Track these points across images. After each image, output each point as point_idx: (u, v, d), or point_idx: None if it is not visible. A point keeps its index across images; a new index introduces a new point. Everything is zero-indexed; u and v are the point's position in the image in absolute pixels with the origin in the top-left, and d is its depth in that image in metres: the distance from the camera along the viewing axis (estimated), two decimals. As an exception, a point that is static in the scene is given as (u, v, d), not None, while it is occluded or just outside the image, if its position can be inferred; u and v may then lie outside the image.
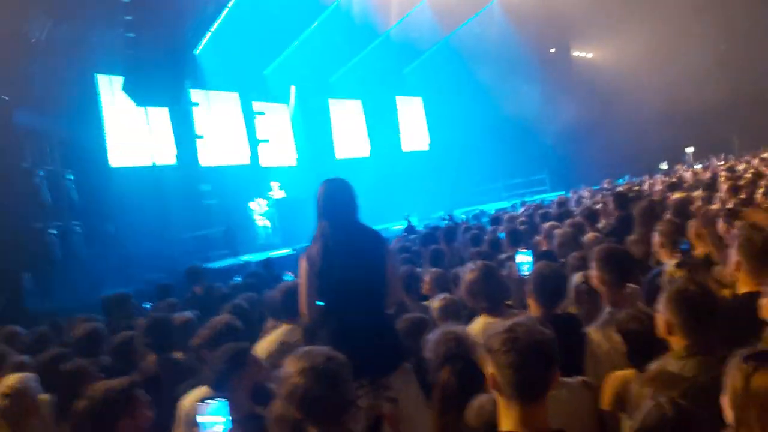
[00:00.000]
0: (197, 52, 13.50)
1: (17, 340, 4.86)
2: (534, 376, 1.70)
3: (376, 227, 3.37)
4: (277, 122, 17.06)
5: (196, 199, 13.32)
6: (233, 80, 14.83)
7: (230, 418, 2.16)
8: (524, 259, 3.66)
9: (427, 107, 22.00)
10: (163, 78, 11.37)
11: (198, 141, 14.07)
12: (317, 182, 3.24)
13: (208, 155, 14.33)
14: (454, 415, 2.14)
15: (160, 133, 13.13)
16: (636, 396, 2.09)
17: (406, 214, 11.02)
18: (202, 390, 2.89)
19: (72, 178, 9.74)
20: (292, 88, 17.47)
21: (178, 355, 3.83)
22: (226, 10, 13.21)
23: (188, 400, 2.92)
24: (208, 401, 2.17)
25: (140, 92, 11.29)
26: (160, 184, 12.39)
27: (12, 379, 2.88)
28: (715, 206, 5.74)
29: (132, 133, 12.54)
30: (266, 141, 16.41)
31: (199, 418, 2.16)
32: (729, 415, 1.64)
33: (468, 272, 3.37)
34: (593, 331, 2.90)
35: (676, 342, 2.17)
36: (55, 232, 9.35)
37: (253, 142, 16.01)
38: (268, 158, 16.27)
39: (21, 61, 9.66)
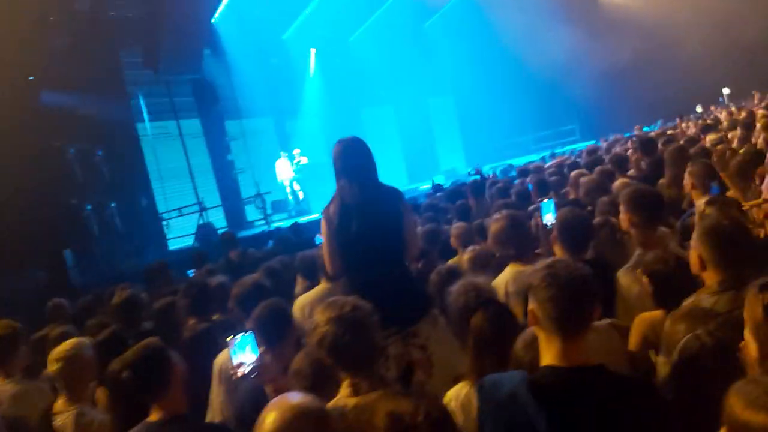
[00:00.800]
0: (214, 19, 13.42)
1: (63, 311, 5.07)
2: (573, 309, 1.72)
3: (404, 188, 3.37)
4: (299, 88, 16.98)
5: (226, 170, 13.47)
6: (252, 46, 14.72)
7: (257, 350, 2.25)
8: (547, 207, 3.63)
9: (451, 62, 21.58)
10: (183, 47, 11.38)
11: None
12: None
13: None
14: (489, 359, 2.17)
15: (183, 104, 13.23)
16: (669, 333, 2.08)
17: (474, 167, 10.59)
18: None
19: (101, 153, 9.90)
20: (312, 51, 17.30)
21: (215, 316, 3.96)
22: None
23: (221, 356, 3.02)
24: (238, 335, 2.26)
25: (161, 63, 11.33)
26: (187, 153, 12.55)
27: (66, 345, 3.00)
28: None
29: (157, 108, 12.67)
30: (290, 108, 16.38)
31: (234, 353, 2.25)
32: (752, 347, 1.62)
33: (493, 222, 3.36)
34: (622, 274, 2.88)
35: (709, 277, 2.14)
36: (90, 207, 9.58)
37: (277, 111, 16.02)
38: (293, 126, 16.29)
39: (43, 41, 9.74)
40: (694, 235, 2.19)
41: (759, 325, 1.60)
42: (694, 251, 2.18)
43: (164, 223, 11.60)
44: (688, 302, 2.13)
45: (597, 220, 3.30)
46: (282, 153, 14.25)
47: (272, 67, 15.90)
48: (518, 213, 3.46)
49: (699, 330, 1.74)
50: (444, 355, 2.88)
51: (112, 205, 10.00)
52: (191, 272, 6.04)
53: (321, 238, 4.51)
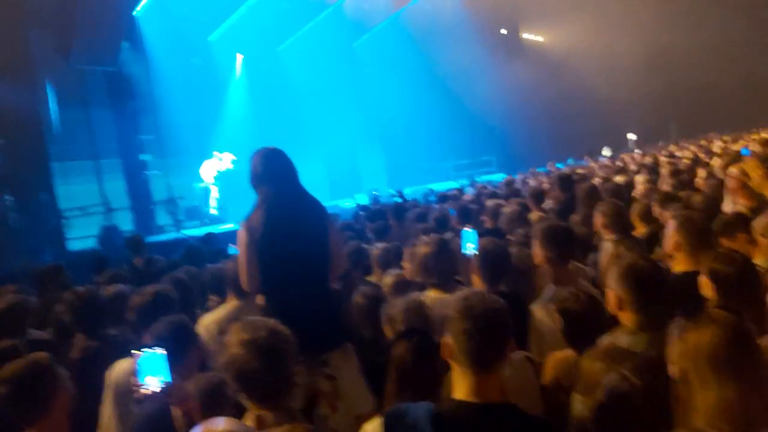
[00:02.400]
0: (136, 12, 12.83)
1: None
2: (488, 343, 1.70)
3: (326, 203, 3.26)
4: (222, 91, 16.54)
5: (138, 169, 12.79)
6: (175, 45, 14.18)
7: (169, 371, 2.08)
8: (468, 236, 3.65)
9: (378, 80, 21.78)
10: (100, 38, 10.78)
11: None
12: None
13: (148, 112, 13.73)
14: (410, 394, 2.07)
15: (96, 98, 12.49)
16: (586, 371, 2.11)
17: (396, 189, 10.61)
18: (130, 359, 2.77)
19: (1, 143, 9.13)
20: (239, 57, 16.93)
21: (111, 331, 3.67)
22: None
23: (116, 368, 2.79)
24: (146, 351, 2.07)
25: (74, 52, 10.66)
26: (97, 150, 11.84)
27: None
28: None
29: (66, 100, 11.86)
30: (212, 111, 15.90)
31: (140, 369, 2.06)
32: (675, 373, 1.67)
33: (422, 246, 3.34)
34: (536, 308, 2.93)
35: (627, 317, 2.19)
36: (-16, 200, 8.79)
37: (196, 111, 15.47)
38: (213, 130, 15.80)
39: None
40: (611, 275, 2.25)
41: (677, 353, 1.63)
42: (611, 291, 2.23)
43: (65, 221, 10.81)
44: (605, 341, 2.18)
45: (513, 251, 3.35)
46: (215, 153, 13.72)
47: (195, 67, 15.39)
48: (446, 239, 3.45)
49: (622, 369, 1.78)
50: (352, 389, 2.79)
51: (8, 198, 9.22)
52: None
53: (235, 249, 4.32)
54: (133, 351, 2.17)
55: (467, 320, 1.69)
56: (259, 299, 3.09)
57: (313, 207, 3.02)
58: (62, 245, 10.39)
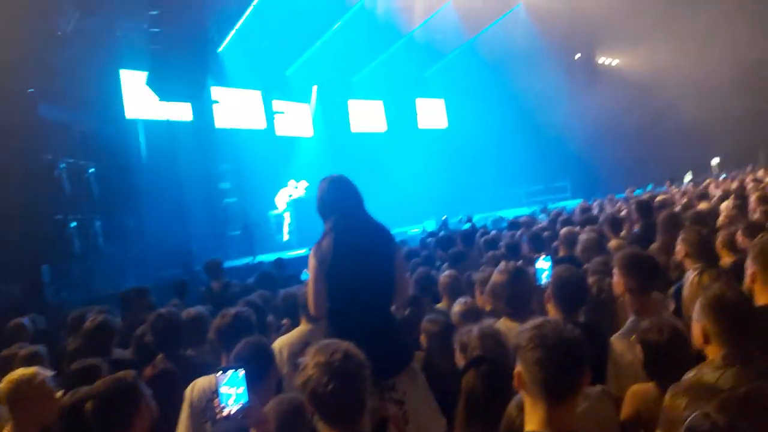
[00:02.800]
0: (221, 49, 13.56)
1: (23, 332, 4.89)
2: (562, 374, 1.64)
3: (394, 231, 3.29)
4: (297, 122, 17.07)
5: (217, 198, 13.38)
6: (255, 79, 14.85)
7: (247, 390, 2.13)
8: (543, 265, 3.55)
9: (449, 110, 21.89)
10: (186, 74, 11.40)
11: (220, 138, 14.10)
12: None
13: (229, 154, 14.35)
14: (480, 422, 2.04)
15: (182, 129, 13.21)
16: (669, 408, 1.99)
17: (465, 215, 10.55)
18: (210, 378, 2.85)
19: (93, 171, 9.80)
20: (314, 88, 17.49)
21: (188, 351, 3.80)
22: (250, 9, 13.25)
23: (196, 386, 2.88)
24: (228, 371, 2.14)
25: (163, 87, 11.33)
26: (180, 180, 12.45)
27: (20, 372, 2.84)
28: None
29: (154, 130, 12.65)
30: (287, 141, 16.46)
31: (221, 388, 2.13)
32: None
33: (496, 273, 3.27)
34: (616, 341, 2.80)
35: (713, 351, 2.07)
36: (75, 224, 9.40)
37: (273, 142, 16.08)
38: (287, 159, 16.33)
39: (47, 54, 9.76)
40: (697, 307, 2.13)
41: None
42: (698, 324, 2.11)
43: (149, 246, 11.40)
44: (690, 376, 2.06)
45: (591, 280, 3.22)
46: (290, 181, 14.15)
47: (274, 99, 16.03)
48: (522, 268, 3.37)
49: (706, 408, 1.66)
50: (420, 414, 2.76)
51: (98, 223, 9.84)
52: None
53: (308, 274, 4.41)
54: (215, 371, 2.25)
55: (540, 350, 1.64)
56: (326, 324, 3.14)
57: (380, 234, 3.05)
58: (145, 270, 10.95)
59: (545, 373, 1.63)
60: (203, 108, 13.34)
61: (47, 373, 2.92)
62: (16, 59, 8.88)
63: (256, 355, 2.60)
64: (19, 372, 2.81)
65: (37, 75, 9.52)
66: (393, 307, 3.21)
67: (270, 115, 16.00)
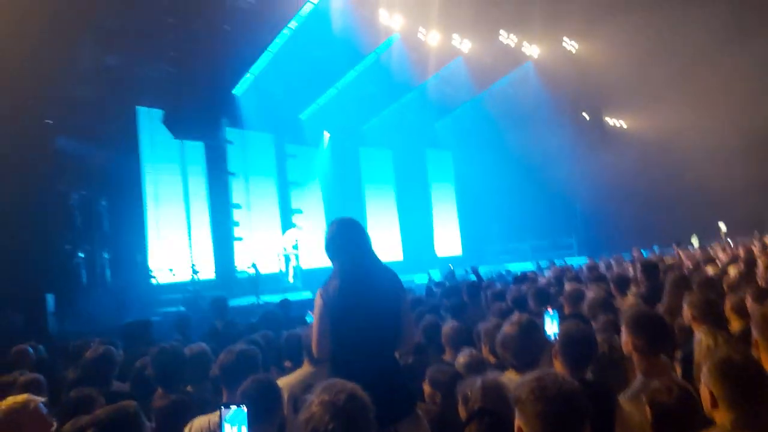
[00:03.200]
0: (236, 92, 13.88)
1: (26, 358, 4.87)
2: (563, 426, 1.63)
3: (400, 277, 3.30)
4: (308, 166, 17.32)
5: (225, 235, 13.46)
6: (269, 122, 15.14)
7: (249, 428, 2.11)
8: (552, 319, 3.53)
9: (456, 162, 22.17)
10: (202, 114, 11.69)
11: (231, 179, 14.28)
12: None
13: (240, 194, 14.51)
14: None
15: (194, 168, 13.42)
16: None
17: (471, 266, 10.42)
18: (209, 416, 2.83)
19: (105, 204, 9.92)
20: (326, 134, 17.78)
21: (188, 388, 3.77)
22: (267, 54, 13.62)
23: (195, 425, 2.85)
24: (231, 407, 2.12)
25: (178, 125, 11.60)
26: (189, 215, 12.56)
27: (14, 399, 2.83)
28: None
29: (166, 168, 12.87)
30: (297, 183, 16.65)
31: (224, 425, 2.11)
32: None
33: (507, 325, 3.26)
34: (625, 401, 2.77)
35: (721, 415, 2.05)
36: (83, 255, 9.46)
37: (284, 185, 16.28)
38: (297, 202, 16.49)
39: (67, 88, 10.02)
40: (705, 371, 2.12)
41: None
42: (705, 387, 2.10)
43: (154, 281, 11.41)
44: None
45: (600, 338, 3.20)
46: (297, 223, 14.23)
47: (286, 143, 16.30)
48: (534, 321, 3.36)
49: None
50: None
51: (105, 256, 9.89)
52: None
53: (312, 317, 4.40)
54: (218, 407, 2.24)
55: (540, 402, 1.63)
56: (329, 366, 3.12)
57: (387, 278, 3.07)
58: (149, 304, 10.93)
59: (547, 427, 1.62)
60: (216, 148, 13.57)
61: (39, 399, 2.91)
62: (37, 92, 9.14)
63: (264, 392, 2.60)
64: (11, 399, 2.79)
65: (56, 108, 9.76)
66: (397, 354, 3.20)
67: (282, 158, 16.25)
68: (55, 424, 3.12)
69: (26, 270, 8.32)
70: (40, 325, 7.71)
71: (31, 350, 4.95)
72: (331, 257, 3.09)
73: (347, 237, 3.07)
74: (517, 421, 1.69)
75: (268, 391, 2.63)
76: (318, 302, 2.99)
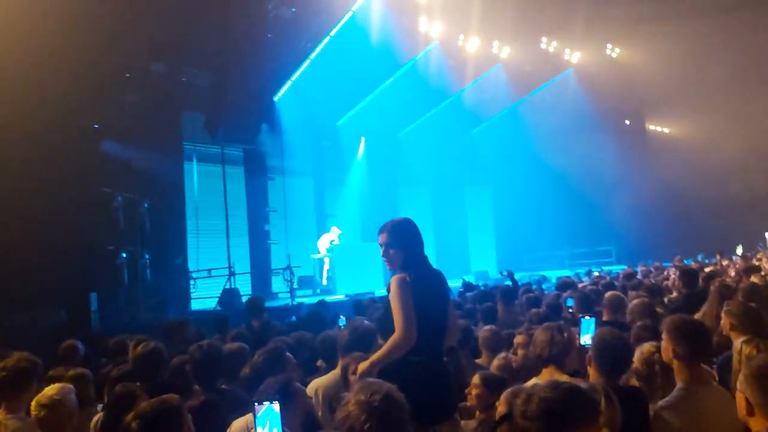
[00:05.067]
0: (277, 98, 14.11)
1: (75, 353, 5.03)
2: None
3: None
4: (344, 171, 17.47)
5: (262, 238, 13.69)
6: (308, 127, 15.34)
7: (281, 424, 2.15)
8: (587, 325, 3.48)
9: (493, 169, 22.03)
10: (242, 119, 11.91)
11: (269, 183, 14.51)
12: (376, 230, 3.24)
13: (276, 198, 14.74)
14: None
15: (233, 172, 13.69)
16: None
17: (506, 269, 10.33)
18: (246, 417, 2.88)
19: (147, 206, 10.19)
20: (362, 140, 17.90)
21: (225, 386, 3.84)
22: (307, 62, 13.81)
23: (236, 425, 2.91)
24: (263, 403, 2.17)
25: (219, 130, 11.84)
26: (227, 220, 12.82)
27: (51, 390, 2.94)
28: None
29: (207, 172, 13.18)
30: (333, 189, 16.81)
31: (257, 421, 2.16)
32: None
33: (539, 331, 3.24)
34: (663, 408, 2.71)
35: (757, 423, 2.00)
36: (125, 255, 9.73)
37: (320, 190, 16.46)
38: (332, 206, 16.66)
39: (114, 93, 10.36)
40: (741, 378, 2.08)
41: None
42: (741, 395, 2.05)
43: (192, 282, 11.66)
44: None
45: (646, 346, 3.15)
46: (333, 228, 14.39)
47: (323, 148, 16.47)
48: (564, 327, 3.32)
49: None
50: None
51: (147, 257, 10.14)
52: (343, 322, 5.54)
53: (344, 320, 4.44)
54: (252, 403, 2.29)
55: None
56: None
57: (441, 280, 3.15)
58: (187, 304, 11.17)
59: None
60: (255, 152, 13.82)
61: (70, 389, 3.01)
62: (85, 97, 9.48)
63: (280, 392, 2.62)
64: (50, 395, 2.91)
65: (103, 112, 10.10)
66: None
67: (319, 163, 16.43)
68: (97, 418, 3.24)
69: (71, 269, 8.61)
70: (83, 322, 7.95)
71: (80, 346, 5.12)
72: (406, 252, 3.08)
73: (417, 236, 3.14)
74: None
75: (285, 390, 2.66)
76: (404, 289, 2.93)
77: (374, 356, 2.95)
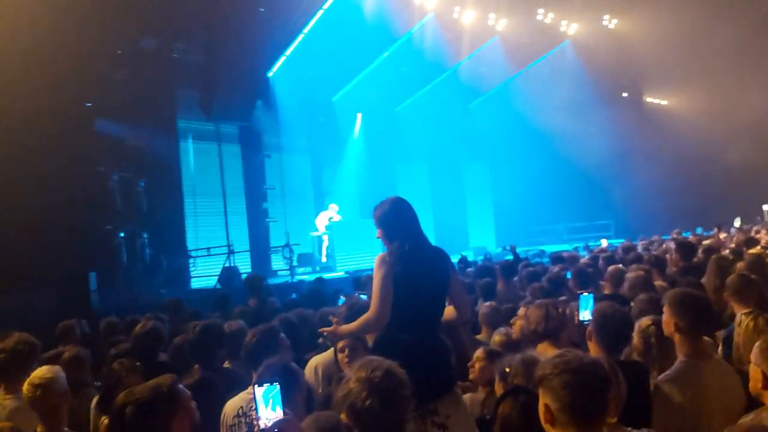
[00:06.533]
0: (270, 74, 13.93)
1: (73, 333, 5.04)
2: (589, 395, 1.68)
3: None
4: (341, 148, 17.36)
5: (260, 216, 13.65)
6: (303, 103, 15.18)
7: (283, 405, 2.13)
8: (586, 301, 3.47)
9: (490, 143, 21.92)
10: (237, 96, 11.77)
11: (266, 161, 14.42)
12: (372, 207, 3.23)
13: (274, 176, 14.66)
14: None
15: (229, 150, 13.58)
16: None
17: (508, 244, 10.30)
18: (241, 396, 2.87)
19: (143, 185, 10.12)
20: (359, 116, 17.75)
21: (225, 364, 3.85)
22: (300, 36, 13.61)
23: (227, 408, 2.90)
24: (264, 384, 2.14)
25: (213, 107, 11.71)
26: (225, 198, 12.75)
27: (42, 371, 2.94)
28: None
29: (202, 149, 13.07)
30: (330, 166, 16.73)
31: (258, 402, 2.13)
32: None
33: (533, 308, 3.23)
34: (664, 382, 2.70)
35: (772, 396, 1.99)
36: (123, 235, 9.69)
37: (317, 166, 16.37)
38: (330, 183, 16.59)
39: (106, 71, 10.20)
40: (756, 351, 2.06)
41: None
42: (756, 368, 2.04)
43: (191, 260, 11.65)
44: (749, 419, 1.98)
45: (644, 320, 3.14)
46: (331, 205, 14.34)
47: (319, 124, 16.33)
48: (557, 302, 3.32)
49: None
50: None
51: (145, 236, 10.11)
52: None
53: (343, 300, 4.43)
54: (251, 384, 2.25)
55: (567, 374, 1.68)
56: (369, 338, 3.13)
57: (439, 256, 3.11)
58: (186, 282, 11.17)
59: (573, 397, 1.66)
60: (250, 129, 13.69)
61: (60, 371, 3.00)
62: (76, 75, 9.32)
63: (278, 376, 2.60)
64: (41, 375, 2.90)
65: (96, 90, 9.95)
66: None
67: (315, 140, 16.30)
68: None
69: (70, 249, 8.58)
70: (83, 302, 7.95)
71: (79, 326, 5.12)
72: (388, 232, 3.09)
73: (405, 214, 3.12)
74: (542, 400, 1.73)
75: (282, 374, 2.63)
76: (381, 268, 2.96)
77: (345, 327, 3.02)
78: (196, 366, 3.63)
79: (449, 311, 3.11)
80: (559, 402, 1.67)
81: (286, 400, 2.56)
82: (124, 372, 3.35)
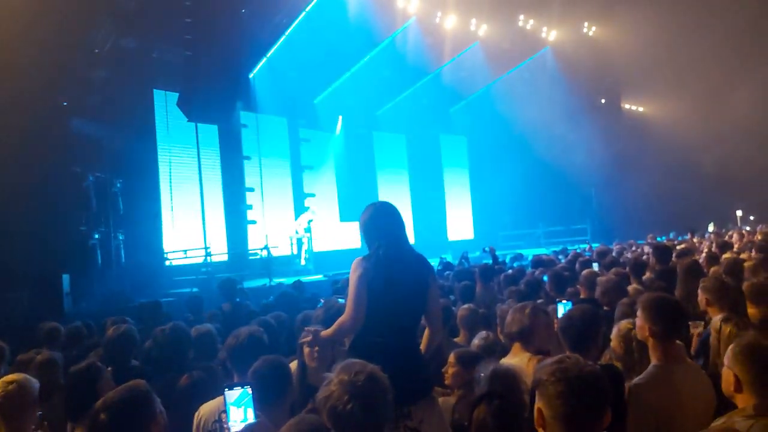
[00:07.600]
0: (251, 75, 13.85)
1: (57, 336, 4.94)
2: (584, 407, 1.61)
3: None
4: (322, 150, 17.30)
5: (238, 218, 13.53)
6: (283, 106, 15.12)
7: (255, 409, 2.10)
8: (564, 308, 3.50)
9: (470, 147, 22.04)
10: (217, 97, 11.67)
11: (245, 162, 14.29)
12: (358, 211, 3.23)
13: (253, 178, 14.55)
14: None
15: (208, 151, 13.44)
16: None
17: (488, 246, 10.33)
18: (217, 401, 2.83)
19: (120, 186, 9.97)
20: (340, 118, 17.73)
21: (196, 369, 3.78)
22: (282, 38, 13.55)
23: (201, 412, 2.86)
24: (235, 388, 2.12)
25: (193, 109, 11.58)
26: (202, 200, 12.61)
27: (10, 379, 2.87)
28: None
29: (181, 151, 12.91)
30: (310, 167, 16.65)
31: (229, 406, 2.10)
32: None
33: (514, 311, 3.24)
34: (639, 385, 2.73)
35: (744, 400, 2.03)
36: (98, 236, 9.53)
37: (297, 169, 16.27)
38: (310, 186, 16.50)
39: (83, 70, 10.04)
40: (730, 354, 2.09)
41: None
42: (729, 371, 2.07)
43: (168, 263, 11.49)
44: (719, 423, 2.00)
45: (623, 323, 3.17)
46: (310, 206, 14.24)
47: (300, 126, 16.27)
48: (540, 306, 3.33)
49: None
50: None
51: (120, 237, 9.96)
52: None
53: (322, 302, 4.40)
54: (223, 388, 2.23)
55: (562, 383, 1.62)
56: (346, 340, 3.11)
57: (419, 263, 3.10)
58: (163, 285, 11.02)
59: (568, 407, 1.60)
60: (231, 131, 13.58)
61: (31, 379, 2.93)
62: (52, 73, 9.17)
63: (275, 372, 2.59)
64: (7, 381, 2.82)
65: (72, 90, 9.79)
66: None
67: (295, 142, 16.23)
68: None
69: (43, 250, 8.42)
70: (56, 305, 7.79)
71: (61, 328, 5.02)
72: (367, 237, 3.10)
73: (385, 219, 3.10)
74: (537, 404, 1.68)
75: (279, 370, 2.63)
76: (356, 272, 2.96)
77: (324, 332, 3.02)
78: (193, 372, 3.56)
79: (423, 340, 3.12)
80: (553, 410, 1.62)
81: (276, 401, 2.55)
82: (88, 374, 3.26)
